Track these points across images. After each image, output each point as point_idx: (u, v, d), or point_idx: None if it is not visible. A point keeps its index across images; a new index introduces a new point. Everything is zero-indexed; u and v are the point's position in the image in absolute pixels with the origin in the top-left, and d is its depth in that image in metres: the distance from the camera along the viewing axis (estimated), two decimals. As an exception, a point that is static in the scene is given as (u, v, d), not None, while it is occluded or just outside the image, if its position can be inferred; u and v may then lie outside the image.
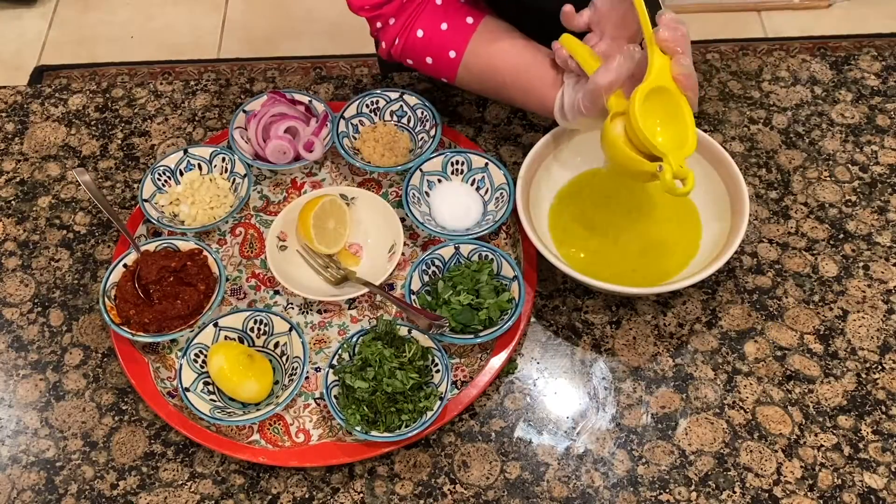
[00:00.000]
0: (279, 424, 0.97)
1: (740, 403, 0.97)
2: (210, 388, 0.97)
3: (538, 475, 0.94)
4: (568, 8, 0.97)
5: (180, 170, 1.13)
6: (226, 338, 1.00)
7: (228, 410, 0.96)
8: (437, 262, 1.04)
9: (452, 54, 1.05)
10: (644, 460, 0.94)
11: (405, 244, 1.08)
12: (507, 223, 1.10)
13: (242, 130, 1.15)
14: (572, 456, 0.95)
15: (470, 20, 1.05)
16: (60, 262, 1.11)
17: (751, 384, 0.98)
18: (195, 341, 0.99)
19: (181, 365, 0.97)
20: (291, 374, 0.97)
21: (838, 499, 0.91)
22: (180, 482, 0.95)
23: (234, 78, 1.28)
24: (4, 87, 1.29)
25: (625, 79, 0.92)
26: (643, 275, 1.04)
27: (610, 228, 1.08)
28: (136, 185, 1.17)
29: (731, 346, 1.01)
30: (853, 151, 1.16)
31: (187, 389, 0.96)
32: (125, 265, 1.04)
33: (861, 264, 1.06)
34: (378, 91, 1.17)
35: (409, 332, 0.98)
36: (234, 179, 1.13)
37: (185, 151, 1.13)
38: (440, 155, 1.11)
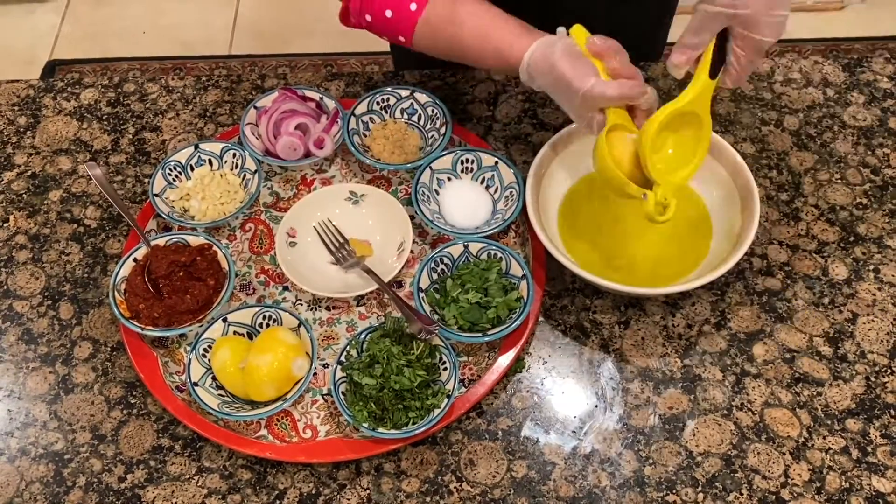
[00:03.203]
0: (287, 420, 0.97)
1: (748, 405, 0.97)
2: (218, 382, 0.98)
3: (545, 474, 0.93)
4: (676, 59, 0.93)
5: (191, 165, 1.14)
6: (234, 333, 1.01)
7: (236, 405, 0.96)
8: (445, 260, 1.04)
9: (413, 6, 1.00)
10: (651, 461, 0.94)
11: (414, 242, 1.08)
12: (516, 222, 1.10)
13: (253, 126, 1.15)
14: (579, 455, 0.95)
15: None
16: (71, 256, 1.12)
17: (759, 386, 0.98)
18: (204, 336, 0.99)
19: (190, 359, 0.97)
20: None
21: (846, 502, 0.91)
22: (188, 476, 0.95)
23: (245, 74, 1.28)
24: (17, 81, 1.30)
25: (627, 103, 0.92)
26: (652, 275, 1.04)
27: (619, 228, 1.08)
28: (146, 180, 1.18)
29: (740, 348, 1.01)
30: (865, 154, 1.15)
31: (196, 384, 0.96)
32: (135, 259, 1.05)
33: (871, 267, 1.06)
34: (389, 89, 1.17)
35: (419, 330, 0.98)
36: (245, 175, 1.13)
37: (196, 147, 1.14)
38: (450, 153, 1.11)
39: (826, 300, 1.04)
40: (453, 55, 1.03)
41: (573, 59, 0.91)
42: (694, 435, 0.95)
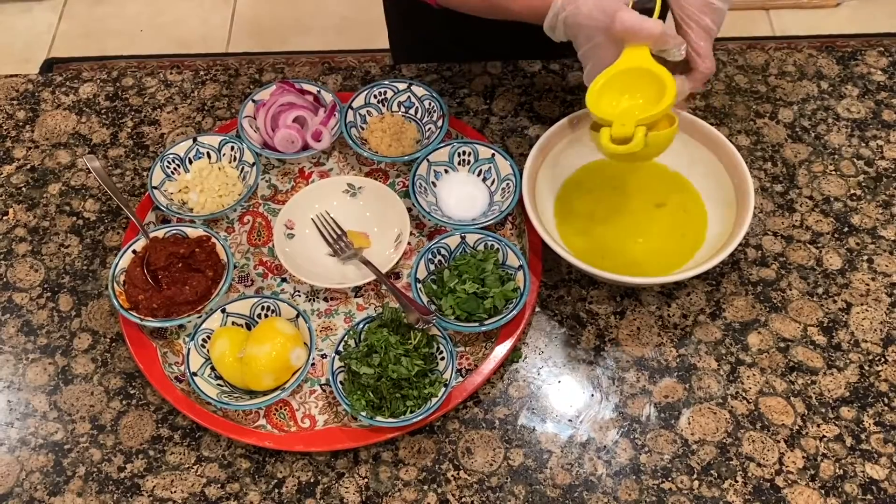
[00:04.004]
0: (285, 410, 0.98)
1: (743, 394, 0.98)
2: (217, 372, 0.98)
3: (541, 462, 0.94)
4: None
5: (189, 158, 1.14)
6: (233, 323, 1.01)
7: (235, 395, 0.97)
8: (443, 252, 1.05)
9: None
10: (647, 449, 0.95)
11: (411, 233, 1.09)
12: (512, 213, 1.10)
13: (251, 119, 1.16)
14: (575, 444, 0.95)
15: None
16: (70, 249, 1.13)
17: (754, 375, 0.99)
18: (203, 327, 1.00)
19: (189, 350, 0.98)
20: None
21: (840, 489, 0.91)
22: (187, 465, 0.96)
23: (243, 69, 1.29)
24: (16, 76, 1.30)
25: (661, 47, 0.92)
26: (648, 265, 1.04)
27: (615, 219, 1.09)
28: (145, 173, 1.18)
29: (735, 338, 1.01)
30: (859, 146, 1.16)
31: (195, 374, 0.97)
32: (134, 251, 1.05)
33: (865, 258, 1.07)
34: (386, 82, 1.18)
35: (417, 320, 0.98)
36: (243, 168, 1.14)
37: (195, 140, 1.14)
38: (447, 145, 1.12)
39: (820, 290, 1.04)
40: (481, 6, 1.01)
41: None
42: (689, 423, 0.96)
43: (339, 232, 1.09)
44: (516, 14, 0.99)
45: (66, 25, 2.66)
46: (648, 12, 0.92)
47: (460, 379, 0.98)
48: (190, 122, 1.23)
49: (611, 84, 0.93)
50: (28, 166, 1.21)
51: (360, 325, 1.00)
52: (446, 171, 1.12)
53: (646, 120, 0.91)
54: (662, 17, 0.95)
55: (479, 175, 1.12)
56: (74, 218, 1.15)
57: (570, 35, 0.95)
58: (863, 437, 0.94)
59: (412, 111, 1.18)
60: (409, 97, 1.18)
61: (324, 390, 0.99)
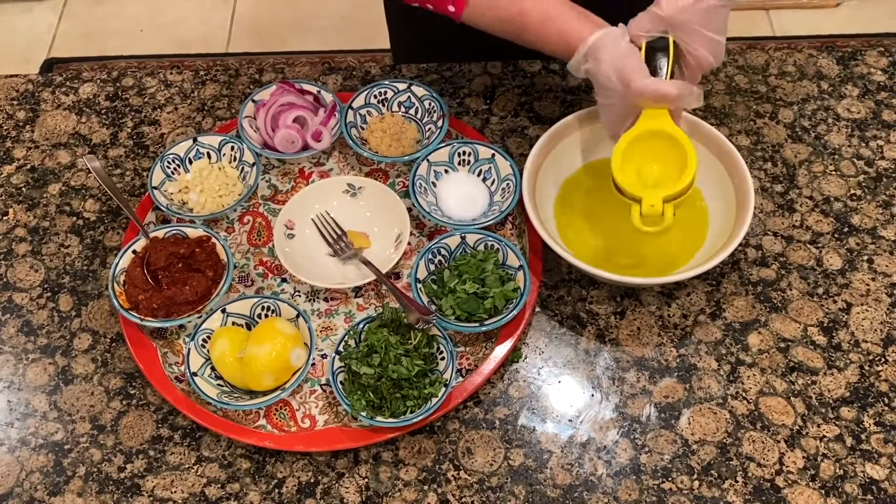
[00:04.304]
0: (285, 410, 0.98)
1: (743, 394, 0.98)
2: (217, 372, 0.98)
3: (542, 462, 0.94)
4: None
5: (189, 158, 1.14)
6: (233, 324, 1.01)
7: (235, 395, 0.97)
8: (443, 252, 1.05)
9: None
10: (647, 449, 0.95)
11: (411, 233, 1.09)
12: (513, 213, 1.10)
13: (251, 120, 1.16)
14: (576, 444, 0.95)
15: None
16: (70, 249, 1.13)
17: (754, 375, 0.99)
18: (203, 327, 1.00)
19: (189, 350, 0.98)
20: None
21: (840, 489, 0.91)
22: (187, 466, 0.96)
23: (243, 69, 1.29)
24: (16, 76, 1.30)
25: (675, 104, 0.95)
26: (648, 266, 1.04)
27: (615, 219, 1.08)
28: (145, 174, 1.18)
29: (735, 338, 1.01)
30: (859, 146, 1.16)
31: (195, 374, 0.97)
32: (134, 251, 1.05)
33: (865, 258, 1.07)
34: (386, 82, 1.18)
35: (417, 320, 0.98)
36: (243, 168, 1.14)
37: (195, 140, 1.14)
38: (447, 146, 1.12)
39: (820, 290, 1.05)
40: (506, 31, 1.03)
41: (637, 55, 0.95)
42: (689, 423, 0.96)
43: (339, 232, 1.09)
44: (541, 50, 1.02)
45: (66, 25, 2.66)
46: (663, 51, 0.95)
47: (460, 379, 0.98)
48: (190, 122, 1.23)
49: (633, 149, 0.96)
50: (28, 166, 1.21)
51: (361, 325, 1.00)
52: (446, 172, 1.12)
53: (672, 196, 0.94)
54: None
55: (479, 175, 1.12)
56: (74, 218, 1.15)
57: (592, 83, 0.99)
58: (863, 437, 0.94)
59: (412, 111, 1.18)
60: (409, 97, 1.18)
61: (324, 390, 0.99)
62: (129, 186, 1.18)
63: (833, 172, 1.14)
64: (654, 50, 0.95)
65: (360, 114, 1.17)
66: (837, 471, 0.92)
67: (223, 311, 1.01)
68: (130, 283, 1.03)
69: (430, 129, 1.16)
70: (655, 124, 0.96)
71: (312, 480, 0.94)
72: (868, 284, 1.05)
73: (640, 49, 0.95)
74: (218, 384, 0.97)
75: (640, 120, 0.96)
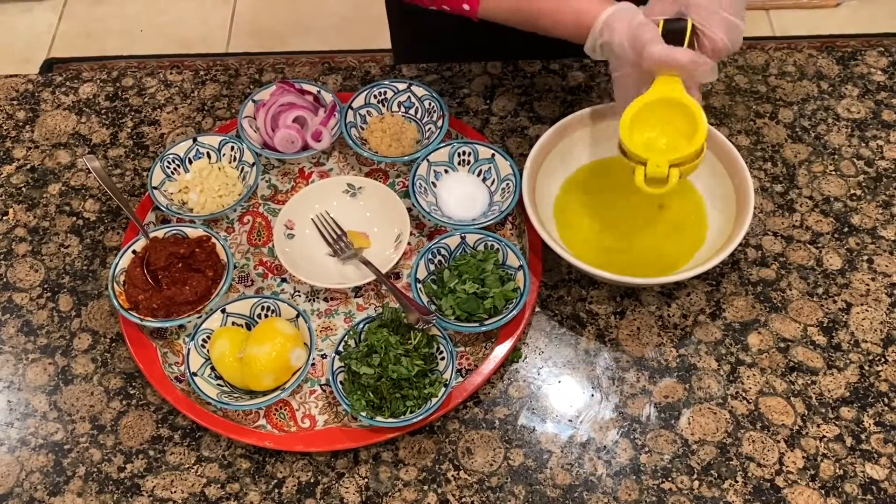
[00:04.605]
0: (285, 410, 0.98)
1: (743, 394, 0.98)
2: (217, 372, 0.98)
3: (541, 462, 0.94)
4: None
5: (189, 158, 1.14)
6: (233, 324, 1.01)
7: (235, 395, 0.97)
8: (443, 252, 1.05)
9: None
10: (647, 449, 0.95)
11: (411, 233, 1.09)
12: (512, 213, 1.10)
13: (251, 120, 1.16)
14: (575, 444, 0.95)
15: None
16: (70, 249, 1.13)
17: (754, 375, 0.99)
18: (203, 327, 1.00)
19: (189, 350, 0.98)
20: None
21: (840, 489, 0.91)
22: (187, 466, 0.96)
23: (242, 69, 1.29)
24: (16, 76, 1.30)
25: (688, 73, 0.93)
26: (648, 265, 1.04)
27: (615, 219, 1.09)
28: (145, 174, 1.18)
29: (735, 338, 1.01)
30: (859, 146, 1.16)
31: (195, 374, 0.97)
32: (134, 251, 1.05)
33: (865, 258, 1.07)
34: (386, 82, 1.18)
35: (417, 320, 0.98)
36: (243, 168, 1.14)
37: (195, 140, 1.14)
38: (447, 146, 1.12)
39: (820, 290, 1.05)
40: (521, 21, 1.03)
41: (653, 27, 0.94)
42: (689, 423, 0.96)
43: (339, 232, 1.09)
44: (558, 35, 1.01)
45: (66, 25, 2.66)
46: (680, 33, 0.93)
47: (460, 379, 0.98)
48: (190, 122, 1.23)
49: (642, 115, 0.95)
50: (28, 166, 1.21)
51: (360, 325, 1.00)
52: (446, 171, 1.12)
53: (679, 160, 0.93)
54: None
55: (479, 175, 1.12)
56: (74, 218, 1.15)
57: (608, 58, 0.99)
58: (863, 437, 0.94)
59: (412, 111, 1.18)
60: (409, 97, 1.18)
61: (324, 390, 0.99)
62: (129, 186, 1.18)
63: (833, 172, 1.14)
64: (671, 31, 0.94)
65: (359, 114, 1.17)
66: (837, 471, 0.92)
67: (223, 311, 1.01)
68: (130, 283, 1.03)
69: (430, 129, 1.16)
70: (667, 91, 0.94)
71: (312, 480, 0.94)
72: (868, 284, 1.05)
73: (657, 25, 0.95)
74: (218, 384, 0.97)
75: (652, 87, 0.95)
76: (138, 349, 1.01)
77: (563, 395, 0.99)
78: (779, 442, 0.94)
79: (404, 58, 1.35)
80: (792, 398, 0.97)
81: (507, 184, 1.10)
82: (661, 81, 0.94)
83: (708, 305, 1.04)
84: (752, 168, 1.13)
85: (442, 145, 1.12)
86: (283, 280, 1.07)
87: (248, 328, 1.01)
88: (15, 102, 1.27)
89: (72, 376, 1.02)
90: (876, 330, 1.01)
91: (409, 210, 1.08)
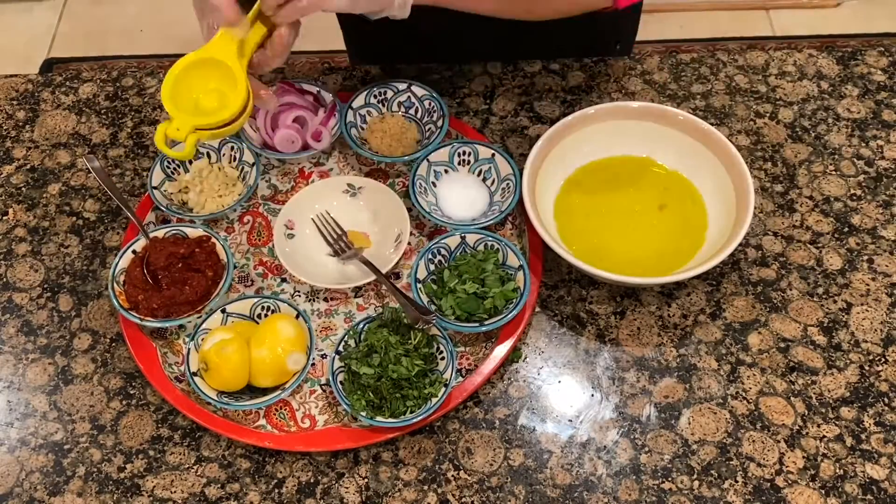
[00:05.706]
0: (285, 410, 0.98)
1: (743, 394, 0.98)
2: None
3: (541, 462, 0.94)
4: None
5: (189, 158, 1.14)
6: (233, 323, 1.01)
7: (235, 395, 0.97)
8: (443, 252, 1.05)
9: None
10: (647, 449, 0.95)
11: (411, 233, 1.09)
12: (513, 213, 1.10)
13: (251, 119, 1.16)
14: (575, 444, 0.95)
15: None
16: (70, 249, 1.12)
17: (754, 375, 0.99)
18: (203, 327, 1.00)
19: (189, 350, 0.98)
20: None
21: (840, 489, 0.91)
22: (187, 466, 0.96)
23: (243, 69, 1.29)
24: (16, 76, 1.30)
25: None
26: (648, 265, 1.04)
27: (615, 219, 1.09)
28: (145, 174, 1.18)
29: (735, 338, 1.01)
30: (859, 146, 1.16)
31: (195, 374, 0.97)
32: (134, 251, 1.05)
33: (865, 258, 1.07)
34: (386, 82, 1.18)
35: (417, 320, 0.98)
36: (243, 168, 1.14)
37: (195, 140, 1.14)
38: (447, 146, 1.12)
39: (820, 290, 1.04)
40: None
41: None
42: (689, 423, 0.96)
43: (339, 232, 1.09)
44: None
45: (66, 25, 2.66)
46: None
47: (460, 379, 0.98)
48: (190, 122, 1.23)
49: (190, 70, 0.90)
50: (28, 166, 1.21)
51: (361, 325, 1.00)
52: (446, 171, 1.12)
53: (206, 126, 0.89)
54: None
55: (479, 175, 1.12)
56: (74, 218, 1.15)
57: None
58: (863, 437, 0.94)
59: (412, 111, 1.18)
60: (409, 97, 1.18)
61: (324, 390, 0.99)
62: (129, 186, 1.17)
63: (833, 172, 1.14)
64: None
65: (359, 114, 1.17)
66: (837, 471, 0.92)
67: (223, 311, 1.01)
68: (130, 283, 1.03)
69: (430, 129, 1.16)
70: (216, 52, 0.89)
71: (312, 480, 0.94)
72: (868, 284, 1.05)
73: None
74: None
75: (210, 42, 0.90)
76: (138, 349, 1.01)
77: (563, 395, 0.99)
78: (779, 442, 0.94)
79: (359, 58, 1.34)
80: (792, 398, 0.97)
81: (507, 184, 1.10)
82: (221, 36, 0.89)
83: (708, 305, 1.04)
84: (752, 168, 1.13)
85: (442, 145, 1.12)
86: (283, 280, 1.07)
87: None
88: (15, 102, 1.27)
89: (72, 376, 1.02)
90: (876, 330, 1.01)
91: (409, 210, 1.08)
